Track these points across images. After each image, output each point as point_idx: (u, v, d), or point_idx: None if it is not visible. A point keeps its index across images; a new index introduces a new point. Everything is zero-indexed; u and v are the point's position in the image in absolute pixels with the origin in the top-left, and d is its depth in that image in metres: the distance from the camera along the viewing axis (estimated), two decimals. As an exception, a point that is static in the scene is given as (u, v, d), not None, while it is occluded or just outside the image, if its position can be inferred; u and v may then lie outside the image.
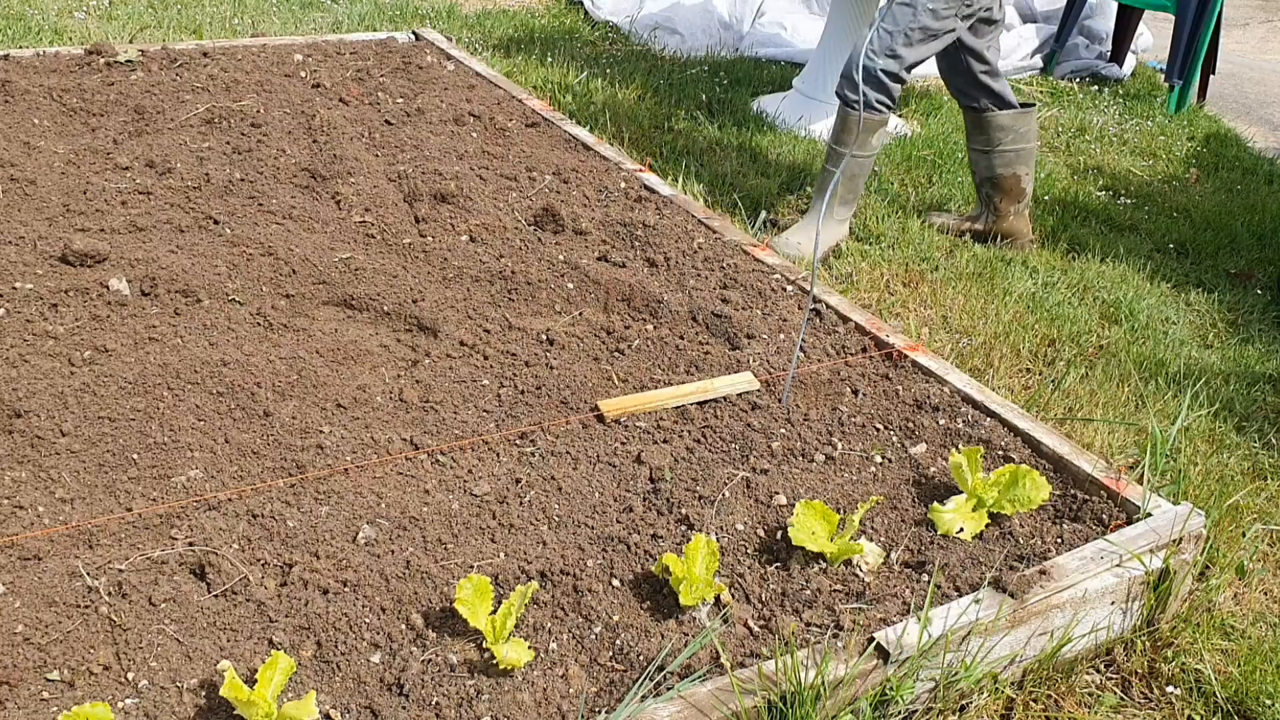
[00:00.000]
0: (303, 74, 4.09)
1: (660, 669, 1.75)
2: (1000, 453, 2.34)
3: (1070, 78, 5.89)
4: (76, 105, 3.60)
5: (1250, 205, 4.32)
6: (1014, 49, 5.85)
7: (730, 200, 3.73)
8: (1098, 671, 2.01)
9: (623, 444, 2.30)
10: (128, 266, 2.70)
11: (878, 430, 2.42)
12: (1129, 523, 2.12)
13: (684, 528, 2.07)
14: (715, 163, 4.05)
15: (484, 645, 1.77)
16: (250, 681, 1.64)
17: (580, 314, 2.76)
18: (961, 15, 3.17)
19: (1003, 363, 2.95)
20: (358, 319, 2.68)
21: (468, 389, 2.44)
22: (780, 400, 2.47)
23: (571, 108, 4.43)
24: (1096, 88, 5.74)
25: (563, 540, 2.02)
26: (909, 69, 3.22)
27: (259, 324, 2.58)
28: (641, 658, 1.77)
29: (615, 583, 1.93)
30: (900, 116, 4.83)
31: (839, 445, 2.34)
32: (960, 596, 1.91)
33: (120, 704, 1.63)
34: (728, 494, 2.16)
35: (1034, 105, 3.55)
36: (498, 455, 2.23)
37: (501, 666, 1.70)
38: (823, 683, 1.68)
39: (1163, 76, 5.86)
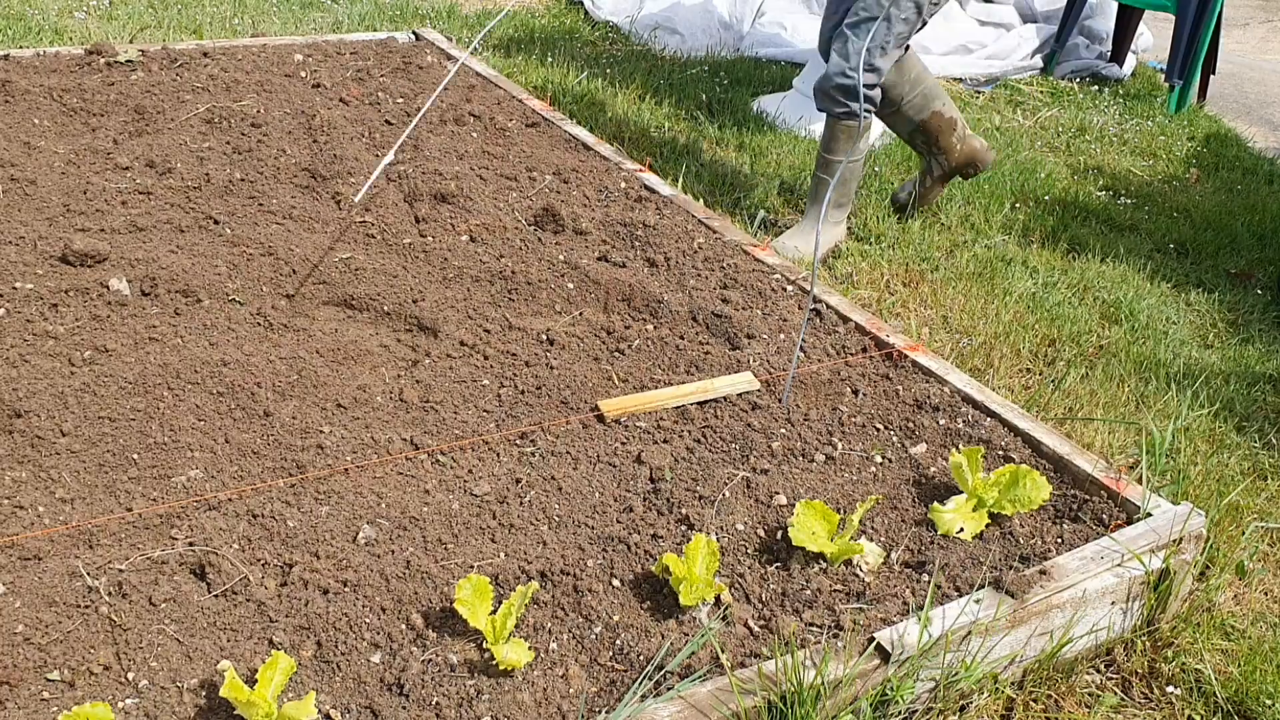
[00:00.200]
0: (303, 74, 4.09)
1: (660, 669, 1.75)
2: (1000, 453, 2.34)
3: (1070, 78, 5.89)
4: (77, 105, 3.60)
5: (1250, 205, 4.32)
6: (1014, 49, 5.85)
7: (730, 200, 3.73)
8: (1098, 671, 2.01)
9: (623, 444, 2.30)
10: (128, 266, 2.70)
11: (878, 430, 2.42)
12: (1129, 523, 2.12)
13: (684, 528, 2.07)
14: (715, 163, 4.05)
15: (484, 645, 1.77)
16: (250, 681, 1.64)
17: (580, 314, 2.76)
18: (927, 16, 3.19)
19: (1003, 363, 2.95)
20: (358, 319, 2.68)
21: (468, 389, 2.44)
22: (780, 400, 2.47)
23: (572, 108, 4.43)
24: (1096, 88, 5.74)
25: (563, 540, 2.02)
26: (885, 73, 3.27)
27: (259, 324, 2.58)
28: (641, 658, 1.77)
29: (615, 583, 1.93)
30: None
31: (839, 445, 2.34)
32: (960, 596, 1.91)
33: (120, 704, 1.63)
34: (728, 494, 2.16)
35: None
36: (498, 455, 2.24)
37: (501, 666, 1.70)
38: (823, 683, 1.68)
39: (1163, 76, 5.86)
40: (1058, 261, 3.67)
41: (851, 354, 2.67)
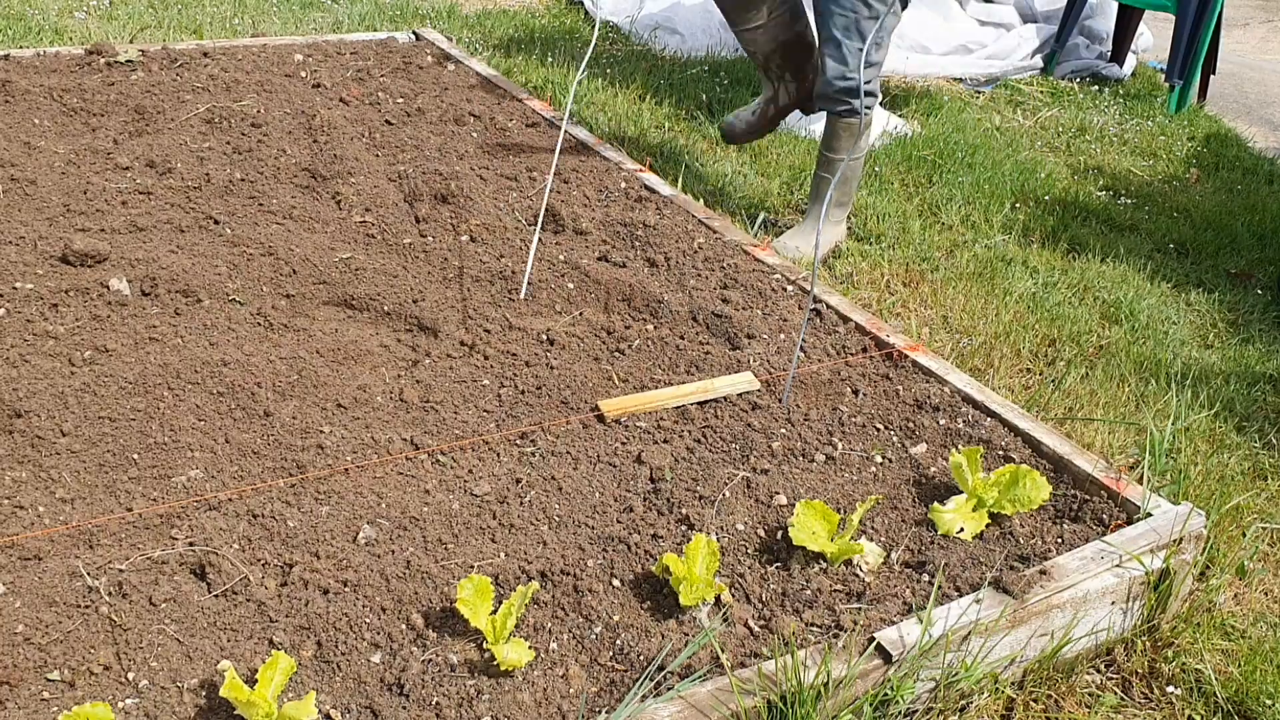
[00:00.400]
0: (303, 74, 4.09)
1: (660, 669, 1.75)
2: (1000, 453, 2.34)
3: (1070, 78, 5.89)
4: (77, 105, 3.60)
5: (1250, 205, 4.33)
6: (1014, 49, 5.85)
7: (730, 200, 3.73)
8: (1098, 671, 2.01)
9: (623, 444, 2.30)
10: (128, 266, 2.70)
11: (878, 430, 2.42)
12: (1129, 523, 2.12)
13: (684, 528, 2.07)
14: (715, 162, 4.05)
15: (484, 645, 1.77)
16: (250, 681, 1.64)
17: (580, 314, 2.76)
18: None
19: (1003, 363, 2.95)
20: (358, 319, 2.68)
21: (468, 389, 2.44)
22: (780, 400, 2.47)
23: (572, 107, 4.43)
24: (1097, 88, 5.74)
25: (563, 540, 2.02)
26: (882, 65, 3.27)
27: (259, 324, 2.58)
28: (641, 658, 1.77)
29: (615, 583, 1.93)
30: (900, 116, 4.83)
31: (839, 445, 2.34)
32: (960, 596, 1.91)
33: (120, 704, 1.63)
34: (728, 494, 2.16)
35: None
36: (498, 455, 2.23)
37: (502, 666, 1.70)
38: (823, 683, 1.68)
39: (1163, 76, 5.86)
40: (1058, 261, 3.67)
41: (851, 354, 2.67)
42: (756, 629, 1.86)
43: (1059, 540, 2.10)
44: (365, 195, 3.18)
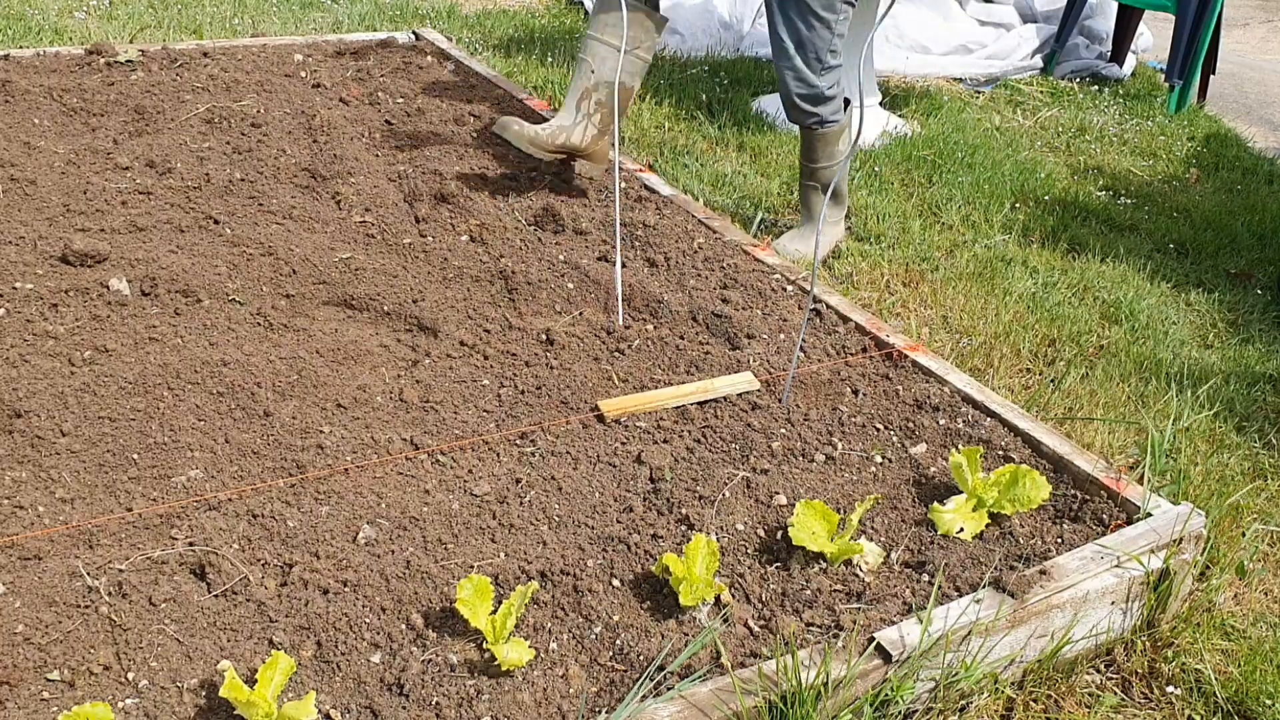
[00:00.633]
0: (303, 74, 4.09)
1: (660, 669, 1.75)
2: (1000, 453, 2.34)
3: (1070, 78, 5.89)
4: (76, 105, 3.60)
5: (1250, 205, 4.33)
6: (1014, 49, 5.85)
7: (730, 200, 3.73)
8: (1098, 671, 2.01)
9: (623, 444, 2.30)
10: (128, 266, 2.70)
11: (878, 430, 2.42)
12: (1129, 523, 2.12)
13: (684, 528, 2.07)
14: (715, 163, 4.05)
15: (484, 645, 1.77)
16: (250, 681, 1.64)
17: (580, 314, 2.76)
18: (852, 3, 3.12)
19: (1003, 363, 2.95)
20: (358, 319, 2.68)
21: (468, 389, 2.44)
22: (780, 400, 2.47)
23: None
24: (1096, 88, 5.74)
25: (563, 540, 2.02)
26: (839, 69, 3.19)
27: (259, 324, 2.58)
28: (641, 658, 1.77)
29: (615, 583, 1.93)
30: (900, 116, 4.83)
31: (839, 445, 2.34)
32: (960, 596, 1.91)
33: (120, 704, 1.63)
34: (728, 494, 2.16)
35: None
36: (498, 455, 2.24)
37: (502, 666, 1.70)
38: (823, 683, 1.68)
39: (1163, 76, 5.86)
40: (1058, 261, 3.67)
41: (851, 354, 2.67)
42: (756, 629, 1.86)
43: (1059, 540, 2.10)
44: (365, 195, 3.18)
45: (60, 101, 3.61)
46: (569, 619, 1.85)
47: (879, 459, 2.33)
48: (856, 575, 1.99)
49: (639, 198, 3.39)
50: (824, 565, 1.99)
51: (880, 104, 4.80)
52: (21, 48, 4.20)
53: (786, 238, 3.38)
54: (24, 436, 2.12)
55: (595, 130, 3.22)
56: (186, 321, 2.54)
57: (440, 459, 2.20)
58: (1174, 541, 2.05)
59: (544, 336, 2.64)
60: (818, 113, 3.16)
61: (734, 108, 4.64)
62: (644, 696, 1.68)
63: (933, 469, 2.29)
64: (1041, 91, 5.62)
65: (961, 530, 2.09)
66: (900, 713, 1.75)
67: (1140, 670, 2.01)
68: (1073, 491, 2.23)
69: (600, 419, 2.37)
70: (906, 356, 2.65)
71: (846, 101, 3.28)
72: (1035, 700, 1.90)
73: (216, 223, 2.98)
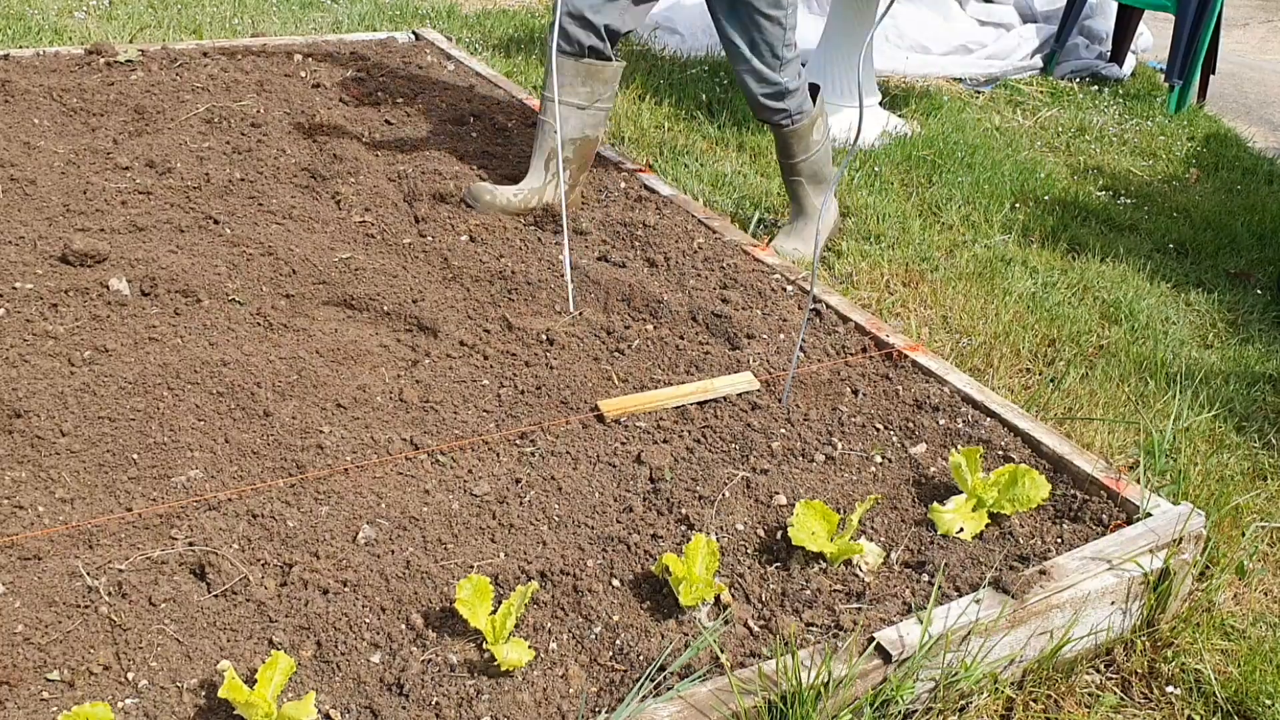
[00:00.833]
0: (303, 74, 4.09)
1: (660, 669, 1.75)
2: (1000, 453, 2.34)
3: (1070, 78, 5.89)
4: (76, 105, 3.60)
5: (1250, 205, 4.33)
6: (1014, 49, 5.85)
7: (730, 200, 3.73)
8: (1098, 671, 2.01)
9: (623, 444, 2.30)
10: (128, 266, 2.70)
11: (878, 430, 2.42)
12: (1129, 523, 2.12)
13: (684, 528, 2.07)
14: (715, 163, 4.05)
15: (484, 645, 1.77)
16: (250, 681, 1.64)
17: (580, 314, 2.76)
18: None
19: (1003, 363, 2.95)
20: (358, 319, 2.68)
21: (468, 389, 2.44)
22: (780, 400, 2.47)
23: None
24: (1096, 88, 5.75)
25: (563, 540, 2.02)
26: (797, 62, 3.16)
27: (259, 324, 2.58)
28: (641, 658, 1.77)
29: (615, 583, 1.93)
30: (900, 116, 4.83)
31: (839, 445, 2.34)
32: (960, 596, 1.91)
33: (120, 704, 1.63)
34: (728, 494, 2.16)
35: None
36: (498, 455, 2.24)
37: (502, 667, 1.70)
38: (823, 683, 1.68)
39: (1163, 76, 5.86)
40: (1058, 261, 3.67)
41: (851, 354, 2.67)
42: (756, 629, 1.86)
43: (1059, 540, 2.10)
44: (365, 195, 3.18)
45: (60, 101, 3.61)
46: (569, 619, 1.85)
47: (879, 459, 2.33)
48: (856, 575, 1.99)
49: (639, 198, 3.39)
50: (824, 565, 1.99)
51: (880, 104, 4.81)
52: (21, 48, 4.20)
53: (782, 236, 3.37)
54: (24, 436, 2.12)
55: (565, 187, 3.21)
56: (186, 321, 2.54)
57: (440, 459, 2.20)
58: (1174, 541, 2.05)
59: (544, 336, 2.64)
60: (785, 108, 3.13)
61: (734, 108, 4.64)
62: (644, 697, 1.68)
63: (933, 469, 2.29)
64: (1041, 91, 5.62)
65: (961, 530, 2.09)
66: (900, 713, 1.75)
67: (1140, 670, 2.01)
68: (1072, 491, 2.23)
69: (600, 419, 2.37)
70: (906, 356, 2.65)
71: (815, 88, 3.24)
72: (1035, 700, 1.90)
73: (216, 223, 2.98)
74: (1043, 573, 1.95)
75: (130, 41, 4.56)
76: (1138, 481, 2.25)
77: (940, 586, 1.93)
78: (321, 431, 2.23)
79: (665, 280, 2.93)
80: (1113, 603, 1.99)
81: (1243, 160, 4.88)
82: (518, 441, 2.28)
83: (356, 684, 1.69)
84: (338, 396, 2.35)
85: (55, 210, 2.94)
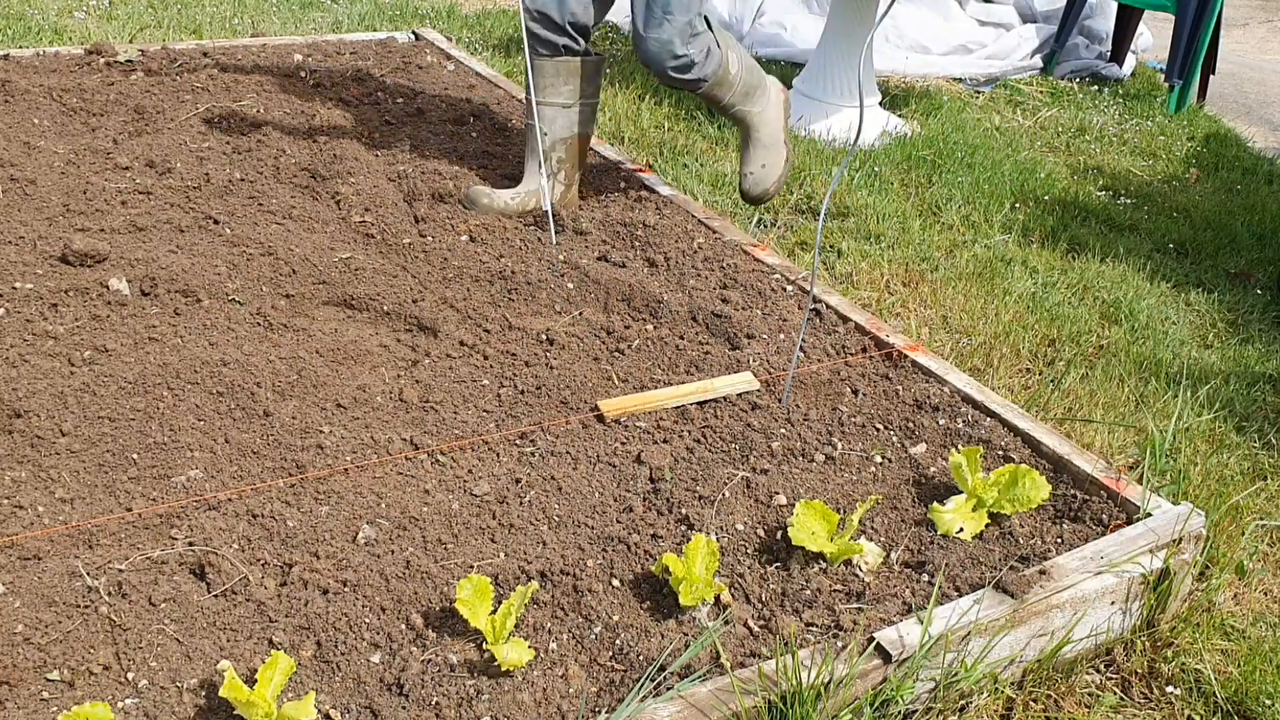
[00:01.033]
0: (302, 74, 4.09)
1: (660, 669, 1.75)
2: (1000, 453, 2.34)
3: (1070, 78, 5.89)
4: (76, 105, 3.60)
5: (1250, 205, 4.33)
6: (1014, 49, 5.85)
7: (730, 200, 3.73)
8: (1098, 671, 2.01)
9: (623, 444, 2.30)
10: (128, 266, 2.70)
11: (878, 430, 2.42)
12: (1129, 523, 2.12)
13: (684, 528, 2.07)
14: (715, 163, 4.05)
15: (484, 645, 1.77)
16: (250, 681, 1.64)
17: (580, 314, 2.76)
18: None
19: (1003, 363, 2.95)
20: (358, 319, 2.68)
21: (468, 389, 2.44)
22: (780, 400, 2.47)
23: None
24: (1096, 88, 5.74)
25: (563, 540, 2.02)
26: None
27: (259, 324, 2.58)
28: (641, 658, 1.77)
29: (615, 583, 1.93)
30: (900, 116, 4.83)
31: (839, 445, 2.34)
32: (960, 596, 1.91)
33: (120, 704, 1.63)
34: (728, 494, 2.16)
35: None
36: (498, 455, 2.23)
37: (502, 667, 1.70)
38: (823, 683, 1.68)
39: (1163, 76, 5.86)
40: (1058, 261, 3.67)
41: (851, 354, 2.67)
42: (756, 629, 1.86)
43: (1059, 540, 2.10)
44: (365, 195, 3.18)
45: (60, 101, 3.61)
46: (569, 619, 1.85)
47: (879, 459, 2.33)
48: (856, 575, 1.99)
49: (638, 198, 3.39)
50: (824, 565, 1.99)
51: (880, 104, 4.81)
52: (21, 47, 4.20)
53: (746, 163, 3.21)
54: (24, 436, 2.12)
55: (563, 187, 3.25)
56: (186, 321, 2.54)
57: (440, 459, 2.20)
58: (1174, 541, 2.05)
59: (544, 336, 2.64)
60: (696, 78, 3.01)
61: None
62: (644, 697, 1.68)
63: (932, 469, 2.29)
64: (1041, 91, 5.62)
65: (961, 530, 2.09)
66: (900, 713, 1.75)
67: (1140, 670, 2.01)
68: (1072, 491, 2.23)
69: (600, 419, 2.37)
70: (906, 356, 2.65)
71: (707, 22, 3.03)
72: (1035, 700, 1.90)
73: (216, 223, 2.98)
74: (1043, 573, 1.95)
75: (130, 41, 4.56)
76: (1138, 481, 2.25)
77: (940, 586, 1.93)
78: (321, 431, 2.23)
79: (665, 280, 2.93)
80: (1113, 603, 1.99)
81: (1243, 160, 4.88)
82: (518, 441, 2.28)
83: (356, 684, 1.69)
84: (338, 396, 2.35)
85: (55, 210, 2.94)
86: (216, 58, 4.14)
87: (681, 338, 2.68)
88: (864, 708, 1.72)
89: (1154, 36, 6.55)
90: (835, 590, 1.95)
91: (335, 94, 3.94)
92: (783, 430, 2.38)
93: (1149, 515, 2.12)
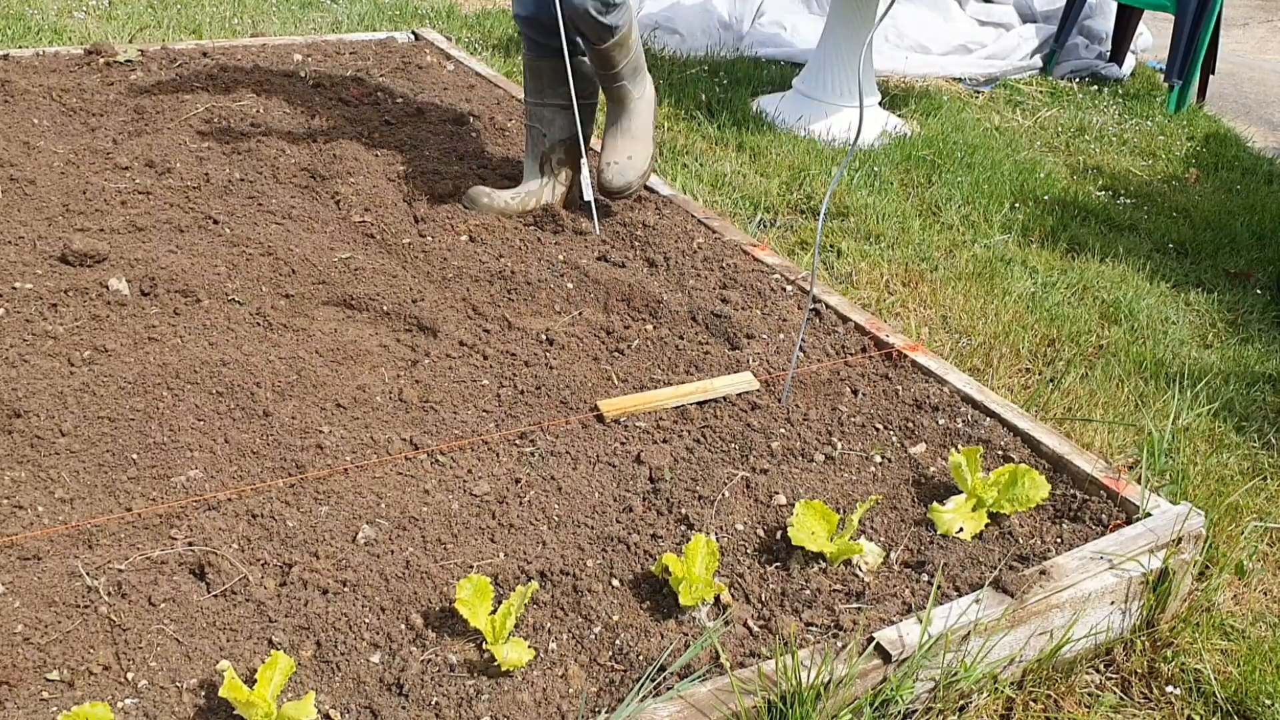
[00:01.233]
0: (302, 74, 4.09)
1: (660, 669, 1.75)
2: (1000, 452, 2.34)
3: (1070, 78, 5.89)
4: (76, 105, 3.60)
5: (1250, 205, 4.33)
6: (1014, 49, 5.85)
7: (730, 200, 3.73)
8: (1097, 671, 2.01)
9: (622, 444, 2.30)
10: (127, 266, 2.70)
11: (877, 430, 2.42)
12: (1129, 522, 2.12)
13: (684, 528, 2.07)
14: (714, 162, 4.05)
15: (484, 645, 1.77)
16: (250, 681, 1.64)
17: (580, 314, 2.76)
18: None
19: (1002, 363, 2.95)
20: (357, 319, 2.68)
21: (467, 389, 2.44)
22: (780, 400, 2.47)
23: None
24: (1096, 88, 5.74)
25: (562, 540, 2.02)
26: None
27: (258, 324, 2.58)
28: (641, 658, 1.77)
29: (615, 583, 1.93)
30: (900, 116, 4.83)
31: (839, 445, 2.34)
32: (960, 596, 1.91)
33: (120, 704, 1.63)
34: (727, 494, 2.16)
35: None
36: (497, 455, 2.23)
37: (501, 667, 1.70)
38: (823, 683, 1.68)
39: (1162, 76, 5.86)
40: (1057, 261, 3.67)
41: (851, 354, 2.67)
42: (756, 629, 1.86)
43: (1058, 540, 2.10)
44: (365, 195, 3.18)
45: (60, 101, 3.61)
46: (569, 619, 1.85)
47: (879, 459, 2.33)
48: (856, 575, 1.99)
49: (638, 197, 3.39)
50: (824, 565, 1.99)
51: (880, 104, 4.81)
52: (21, 47, 4.20)
53: (609, 139, 3.13)
54: (23, 436, 2.12)
55: (563, 187, 3.27)
56: (186, 321, 2.54)
57: (440, 459, 2.20)
58: (1173, 541, 2.05)
59: (544, 336, 2.64)
60: (613, 23, 2.92)
61: (733, 107, 4.64)
62: (644, 697, 1.68)
63: (932, 469, 2.29)
64: (1041, 91, 5.62)
65: (961, 530, 2.09)
66: (900, 712, 1.75)
67: (1140, 670, 2.01)
68: (1072, 491, 2.23)
69: (600, 419, 2.37)
70: (906, 356, 2.65)
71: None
72: (1035, 700, 1.90)
73: (216, 223, 2.98)
74: (1043, 573, 1.95)
75: (130, 41, 4.56)
76: (1137, 481, 2.25)
77: (940, 586, 1.93)
78: (321, 431, 2.23)
79: (665, 280, 2.93)
80: (1112, 603, 1.99)
81: (1242, 160, 4.88)
82: (517, 441, 2.28)
83: (356, 684, 1.69)
84: (337, 396, 2.35)
85: (55, 210, 2.94)
86: (216, 58, 4.14)
87: (681, 338, 2.68)
88: (864, 707, 1.72)
89: (1154, 36, 6.55)
90: (835, 590, 1.95)
91: (335, 94, 3.94)
92: (782, 430, 2.38)
93: (1148, 515, 2.12)
